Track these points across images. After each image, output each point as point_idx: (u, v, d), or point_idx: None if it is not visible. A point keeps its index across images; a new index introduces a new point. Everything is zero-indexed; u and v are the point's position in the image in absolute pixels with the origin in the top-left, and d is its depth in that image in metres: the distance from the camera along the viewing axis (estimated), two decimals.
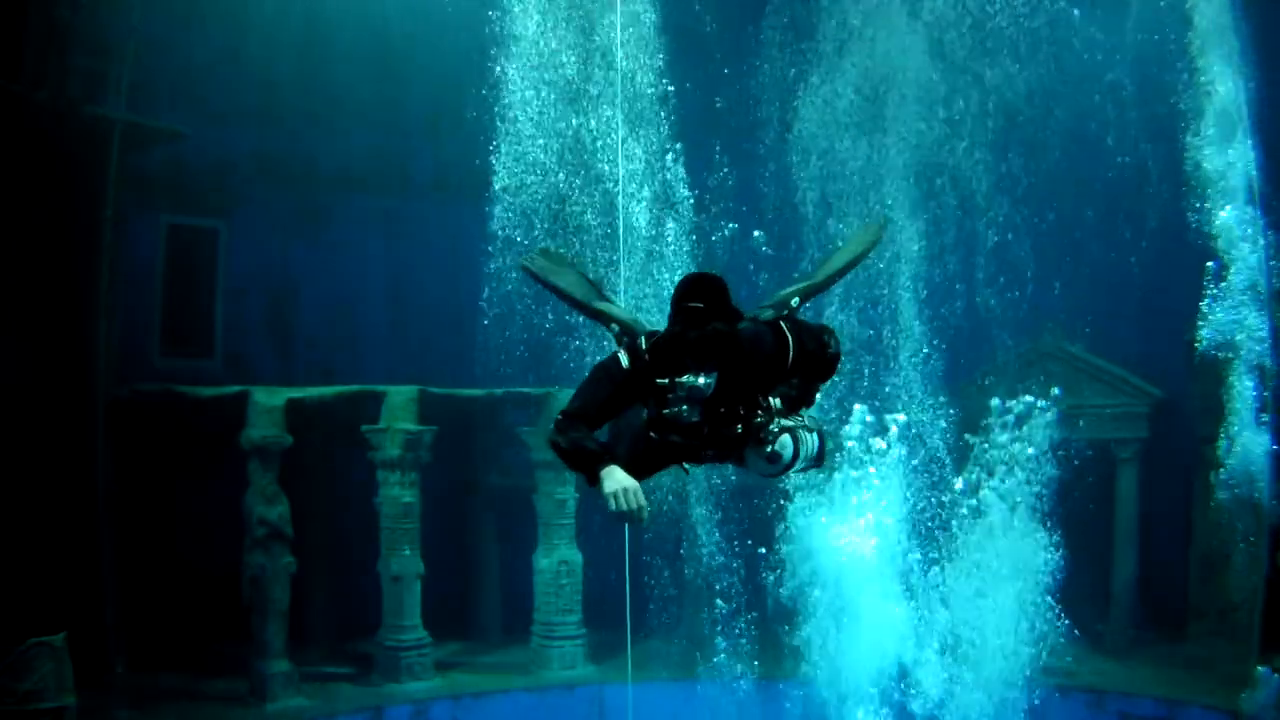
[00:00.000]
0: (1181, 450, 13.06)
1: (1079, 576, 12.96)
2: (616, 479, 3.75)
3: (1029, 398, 11.76)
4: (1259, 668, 10.57)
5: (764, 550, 11.71)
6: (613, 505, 3.72)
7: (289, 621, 11.62)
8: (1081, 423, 12.78)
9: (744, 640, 12.17)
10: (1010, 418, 11.68)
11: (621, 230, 11.71)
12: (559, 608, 12.86)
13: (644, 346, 3.97)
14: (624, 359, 3.94)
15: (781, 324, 4.07)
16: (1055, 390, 11.87)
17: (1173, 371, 13.30)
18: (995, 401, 11.79)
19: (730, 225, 12.66)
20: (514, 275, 12.84)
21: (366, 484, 12.37)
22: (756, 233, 12.84)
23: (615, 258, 11.76)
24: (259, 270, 14.56)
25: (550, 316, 11.85)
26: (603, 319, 4.61)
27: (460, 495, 14.07)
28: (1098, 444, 13.24)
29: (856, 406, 11.61)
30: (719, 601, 12.36)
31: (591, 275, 5.01)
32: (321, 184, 14.92)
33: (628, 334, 4.32)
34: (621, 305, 4.74)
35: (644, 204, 11.99)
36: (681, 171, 12.19)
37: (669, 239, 12.06)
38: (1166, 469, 13.33)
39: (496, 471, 14.06)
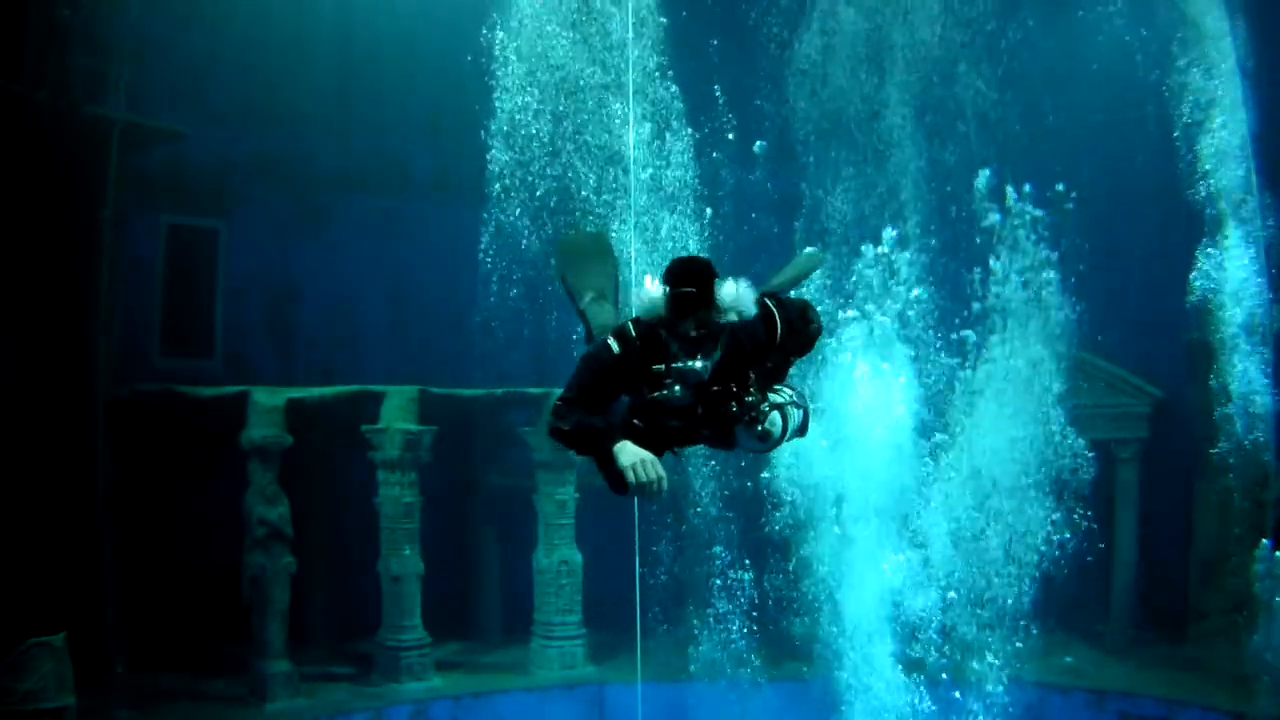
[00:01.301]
0: (1181, 450, 13.05)
1: (1078, 576, 12.98)
2: (631, 451, 3.77)
3: None
4: (1264, 541, 10.52)
5: (766, 476, 11.72)
6: (632, 478, 3.73)
7: (289, 621, 11.62)
8: (1081, 423, 12.79)
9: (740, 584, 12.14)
10: None
11: (631, 153, 11.64)
12: (559, 608, 12.86)
13: (633, 333, 3.97)
14: (614, 345, 3.96)
15: (767, 301, 4.11)
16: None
17: (1173, 371, 13.31)
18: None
19: (730, 136, 12.57)
20: (514, 271, 12.92)
21: (366, 484, 12.37)
22: (757, 145, 12.78)
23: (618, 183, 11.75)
24: (259, 270, 14.56)
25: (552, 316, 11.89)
26: (584, 319, 4.67)
27: (460, 495, 14.07)
28: (1098, 444, 13.24)
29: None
30: (718, 548, 12.30)
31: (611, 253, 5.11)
32: (321, 184, 14.92)
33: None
34: (615, 312, 4.76)
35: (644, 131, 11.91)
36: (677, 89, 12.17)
37: (671, 161, 12.01)
38: (1166, 469, 13.32)
39: (496, 471, 14.05)
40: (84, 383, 11.46)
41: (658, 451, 4.10)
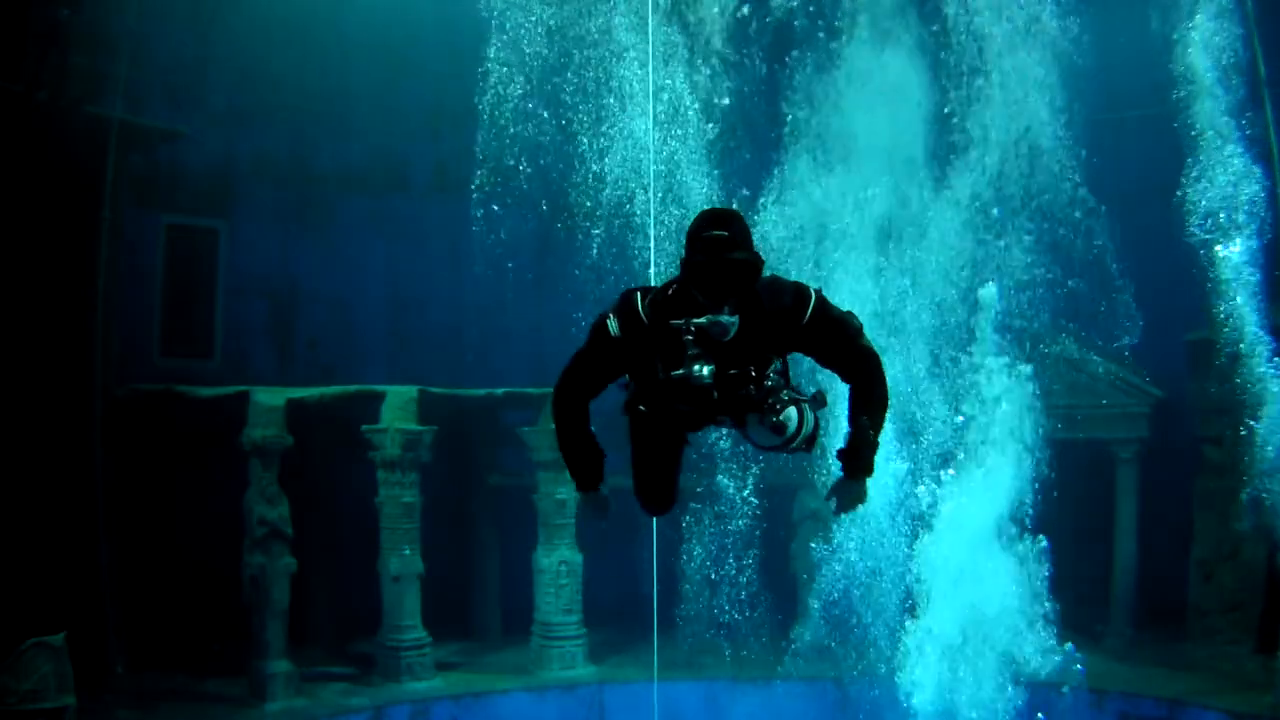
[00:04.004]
0: (1181, 450, 13.06)
1: (1078, 577, 12.97)
2: (596, 502, 4.04)
3: None
4: None
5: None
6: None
7: (289, 621, 11.61)
8: (1081, 423, 12.79)
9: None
10: None
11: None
12: (559, 608, 12.84)
13: (641, 304, 3.72)
14: (612, 325, 3.72)
15: (803, 285, 3.81)
16: None
17: (1173, 371, 13.30)
18: None
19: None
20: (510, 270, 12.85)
21: (366, 484, 12.37)
22: None
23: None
24: (259, 270, 14.57)
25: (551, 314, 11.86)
26: None
27: (460, 495, 14.07)
28: (1098, 444, 13.24)
29: None
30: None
31: None
32: (321, 184, 14.93)
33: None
34: None
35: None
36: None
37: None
38: (1166, 469, 13.33)
39: (496, 471, 14.06)
40: (84, 383, 11.45)
41: (666, 436, 4.04)
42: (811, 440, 3.92)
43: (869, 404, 3.89)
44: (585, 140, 12.07)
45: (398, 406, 12.13)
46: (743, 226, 3.62)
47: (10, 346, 10.71)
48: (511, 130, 12.30)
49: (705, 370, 3.57)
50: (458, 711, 12.02)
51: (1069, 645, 11.28)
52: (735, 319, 3.55)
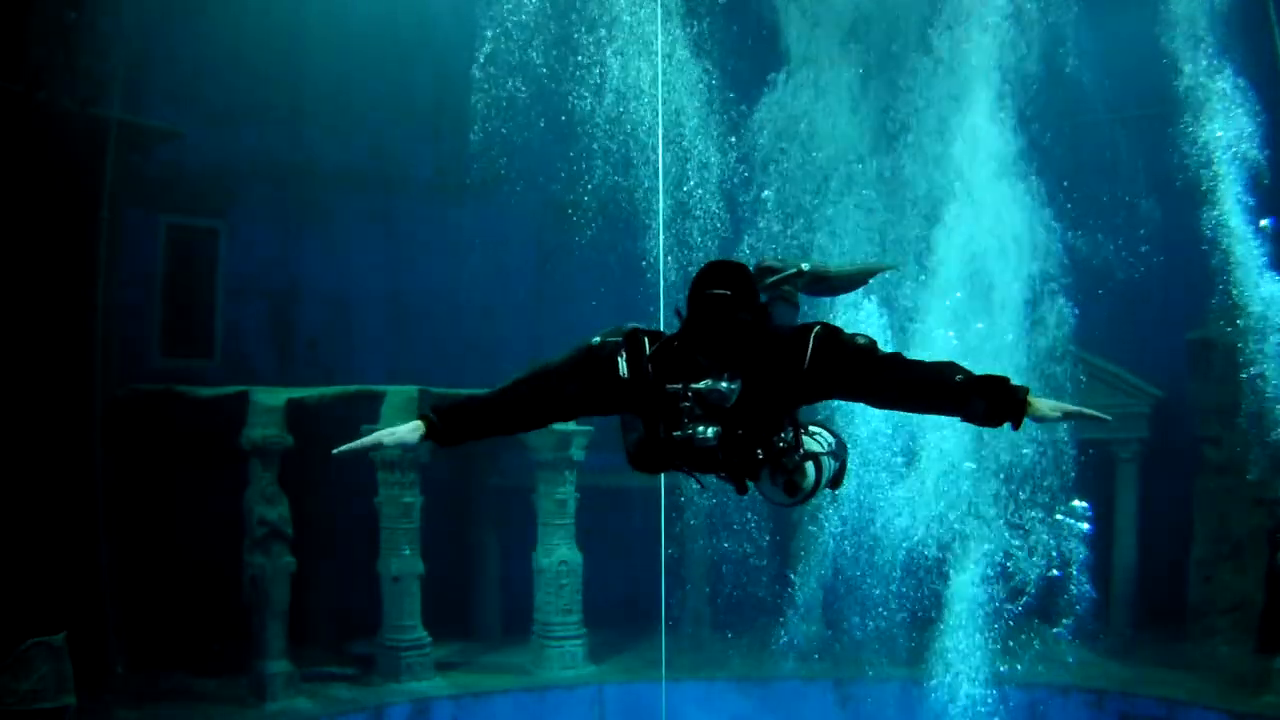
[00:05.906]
0: (1181, 450, 13.06)
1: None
2: (388, 432, 3.67)
3: None
4: None
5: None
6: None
7: (289, 621, 11.60)
8: (1081, 423, 12.74)
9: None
10: None
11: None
12: (559, 608, 12.84)
13: (646, 350, 3.45)
14: (623, 366, 3.44)
15: (805, 325, 3.56)
16: None
17: (1173, 371, 13.30)
18: None
19: None
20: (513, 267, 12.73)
21: (366, 484, 12.36)
22: None
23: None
24: (259, 270, 14.56)
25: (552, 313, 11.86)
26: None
27: (460, 495, 14.07)
28: (1098, 444, 13.24)
29: None
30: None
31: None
32: (321, 184, 14.92)
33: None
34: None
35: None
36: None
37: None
38: (1166, 469, 13.33)
39: (496, 471, 14.05)
40: (83, 383, 11.44)
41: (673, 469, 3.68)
42: (837, 481, 3.77)
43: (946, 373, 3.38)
44: (584, 133, 12.08)
45: (398, 406, 12.09)
46: (747, 283, 3.36)
47: (10, 347, 10.70)
48: (510, 128, 12.30)
49: (710, 432, 3.35)
50: (458, 711, 12.02)
51: (1085, 503, 11.22)
52: (736, 385, 3.31)
